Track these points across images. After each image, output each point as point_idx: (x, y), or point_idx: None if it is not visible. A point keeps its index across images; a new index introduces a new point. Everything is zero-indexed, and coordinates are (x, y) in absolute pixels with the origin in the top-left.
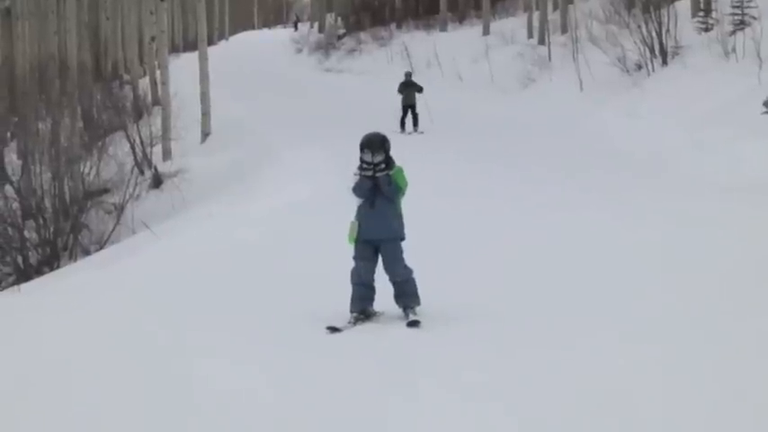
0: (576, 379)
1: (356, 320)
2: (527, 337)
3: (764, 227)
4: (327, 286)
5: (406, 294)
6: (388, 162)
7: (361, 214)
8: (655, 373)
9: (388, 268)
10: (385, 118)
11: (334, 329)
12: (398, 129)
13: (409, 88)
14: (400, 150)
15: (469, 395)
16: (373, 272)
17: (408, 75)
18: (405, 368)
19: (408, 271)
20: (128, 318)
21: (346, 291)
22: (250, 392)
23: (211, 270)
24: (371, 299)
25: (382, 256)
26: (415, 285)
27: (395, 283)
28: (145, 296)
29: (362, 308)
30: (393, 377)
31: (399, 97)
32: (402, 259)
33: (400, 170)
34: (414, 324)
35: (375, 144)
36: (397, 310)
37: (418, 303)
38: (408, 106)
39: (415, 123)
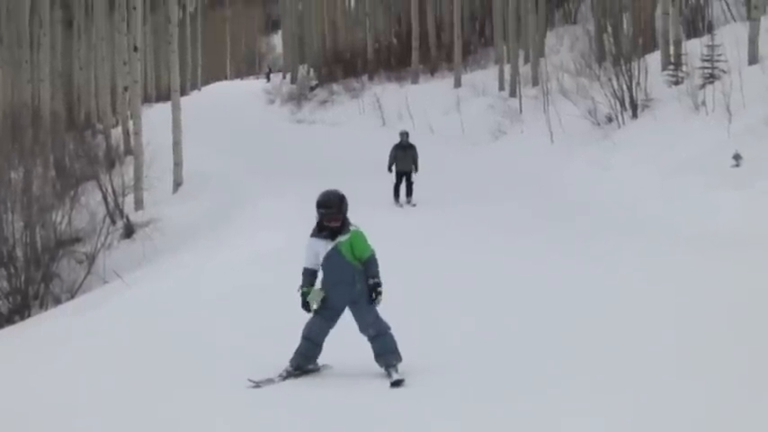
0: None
1: (288, 375)
2: (502, 389)
3: (736, 276)
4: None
5: (387, 352)
6: (344, 224)
7: (325, 284)
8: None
9: (360, 326)
10: (356, 168)
11: (256, 384)
12: (392, 199)
13: (406, 152)
14: (367, 202)
15: None
16: (327, 333)
17: (405, 135)
18: (380, 424)
19: (384, 325)
20: (98, 367)
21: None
22: None
23: (182, 320)
24: (315, 357)
25: (353, 315)
26: (393, 341)
27: (371, 339)
28: (115, 345)
29: (301, 365)
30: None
31: (374, 149)
32: (373, 313)
33: (358, 235)
34: (397, 384)
35: (333, 203)
36: (376, 366)
37: (399, 360)
38: (403, 173)
39: (409, 193)
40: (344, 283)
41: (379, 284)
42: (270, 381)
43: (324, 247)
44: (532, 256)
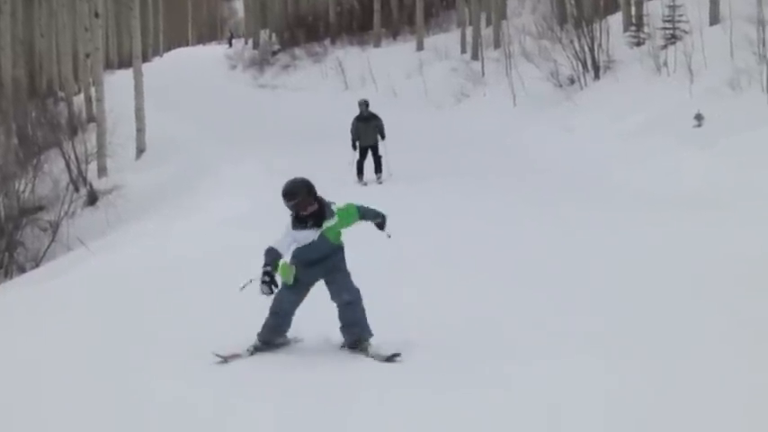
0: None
1: (255, 350)
2: (475, 357)
3: (696, 235)
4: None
5: (358, 325)
6: (322, 209)
7: (300, 263)
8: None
9: (333, 293)
10: (318, 133)
11: (223, 359)
12: (355, 177)
13: (368, 123)
14: (329, 169)
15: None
16: (297, 306)
17: (365, 105)
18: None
19: (356, 291)
20: (63, 334)
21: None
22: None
23: (148, 288)
24: (284, 332)
25: (326, 284)
26: (364, 314)
27: (343, 306)
28: (81, 314)
29: (269, 340)
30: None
31: (337, 113)
32: (348, 277)
33: (343, 213)
34: (393, 358)
35: (299, 190)
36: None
37: (371, 334)
38: (368, 147)
39: (378, 169)
40: (322, 262)
41: (385, 217)
42: (236, 355)
43: (311, 235)
44: (496, 216)
